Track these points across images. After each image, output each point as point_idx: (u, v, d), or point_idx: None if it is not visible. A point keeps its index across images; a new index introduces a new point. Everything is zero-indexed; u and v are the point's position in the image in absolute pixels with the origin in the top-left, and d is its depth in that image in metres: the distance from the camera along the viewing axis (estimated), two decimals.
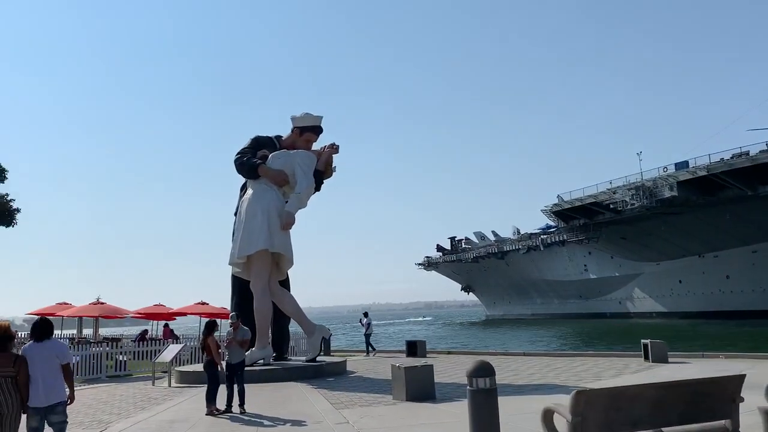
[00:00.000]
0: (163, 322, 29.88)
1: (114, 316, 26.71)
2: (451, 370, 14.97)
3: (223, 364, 9.63)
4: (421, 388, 10.17)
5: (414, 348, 20.65)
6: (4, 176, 31.19)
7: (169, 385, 14.21)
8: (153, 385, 14.74)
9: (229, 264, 15.34)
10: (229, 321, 9.94)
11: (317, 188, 15.97)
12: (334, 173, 16.65)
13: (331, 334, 15.86)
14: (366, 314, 24.69)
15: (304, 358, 15.72)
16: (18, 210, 34.28)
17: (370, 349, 23.85)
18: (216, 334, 10.00)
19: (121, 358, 18.15)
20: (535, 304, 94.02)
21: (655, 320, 68.62)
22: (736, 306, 61.97)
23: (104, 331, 49.93)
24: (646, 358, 15.53)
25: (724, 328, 46.81)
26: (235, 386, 9.56)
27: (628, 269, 74.15)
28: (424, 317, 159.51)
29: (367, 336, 24.12)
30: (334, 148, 16.32)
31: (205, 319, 21.75)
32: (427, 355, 20.65)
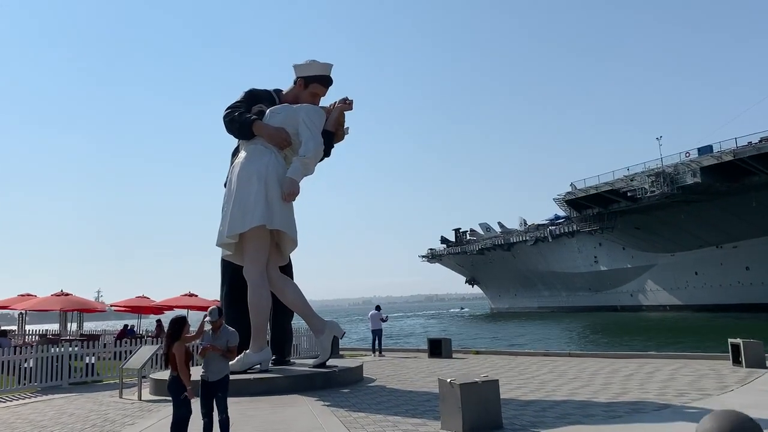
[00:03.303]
0: (148, 316, 26.94)
1: (87, 309, 23.59)
2: (495, 376, 11.84)
3: (194, 372, 6.54)
4: (483, 413, 7.11)
5: (438, 347, 17.63)
6: None
7: (139, 399, 11.14)
8: (120, 397, 11.67)
9: (217, 245, 12.19)
10: (208, 318, 6.79)
11: (326, 152, 12.82)
12: (346, 135, 13.51)
13: (344, 333, 12.74)
14: (378, 308, 21.58)
15: (310, 362, 12.63)
16: None
17: (375, 348, 20.71)
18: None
19: (88, 360, 15.02)
20: (542, 297, 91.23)
21: (670, 313, 65.89)
22: (757, 299, 59.35)
23: (92, 326, 46.94)
24: (736, 361, 12.48)
25: (754, 322, 43.91)
26: (216, 413, 6.49)
27: (640, 261, 71.42)
28: (461, 308, 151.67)
29: (378, 332, 20.93)
30: (346, 104, 13.14)
31: (197, 314, 18.70)
32: (453, 356, 17.66)
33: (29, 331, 28.31)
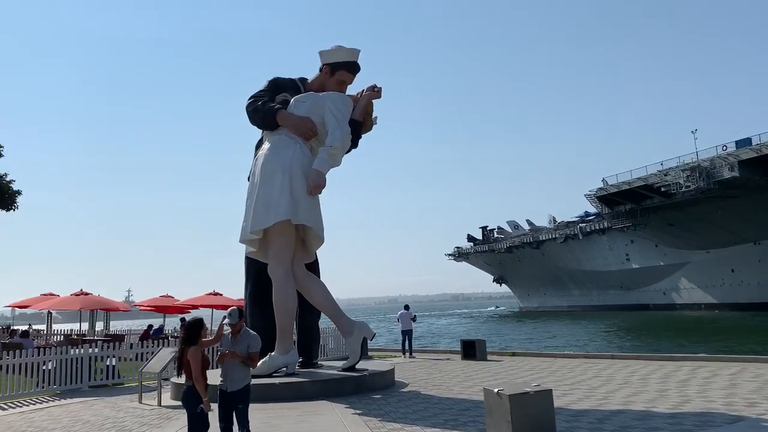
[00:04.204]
0: (174, 315, 26.58)
1: (108, 308, 23.23)
2: (537, 382, 11.00)
3: (211, 375, 5.86)
4: (536, 428, 6.31)
5: (472, 348, 16.81)
6: (0, 153, 28.26)
7: (159, 404, 10.56)
8: (140, 402, 11.10)
9: (241, 241, 11.55)
10: (227, 320, 6.06)
11: (354, 143, 12.11)
12: (375, 125, 12.77)
13: (374, 334, 12.00)
14: (407, 307, 20.81)
15: (339, 365, 11.93)
16: (19, 192, 31.31)
17: (405, 349, 19.98)
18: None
19: (108, 363, 14.49)
20: (572, 296, 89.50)
21: (706, 312, 64.00)
22: None
23: (121, 325, 46.97)
24: None
25: None
26: (235, 427, 5.79)
27: (674, 258, 69.49)
28: (497, 306, 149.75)
29: (409, 333, 20.17)
30: (375, 92, 12.42)
31: (221, 313, 18.12)
32: (488, 358, 16.83)
33: (55, 330, 28.17)
